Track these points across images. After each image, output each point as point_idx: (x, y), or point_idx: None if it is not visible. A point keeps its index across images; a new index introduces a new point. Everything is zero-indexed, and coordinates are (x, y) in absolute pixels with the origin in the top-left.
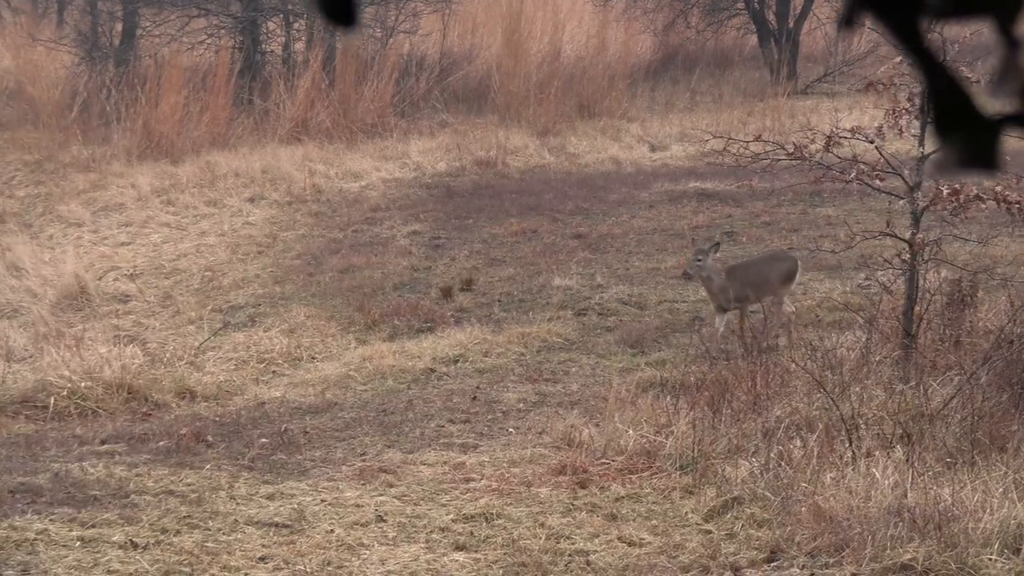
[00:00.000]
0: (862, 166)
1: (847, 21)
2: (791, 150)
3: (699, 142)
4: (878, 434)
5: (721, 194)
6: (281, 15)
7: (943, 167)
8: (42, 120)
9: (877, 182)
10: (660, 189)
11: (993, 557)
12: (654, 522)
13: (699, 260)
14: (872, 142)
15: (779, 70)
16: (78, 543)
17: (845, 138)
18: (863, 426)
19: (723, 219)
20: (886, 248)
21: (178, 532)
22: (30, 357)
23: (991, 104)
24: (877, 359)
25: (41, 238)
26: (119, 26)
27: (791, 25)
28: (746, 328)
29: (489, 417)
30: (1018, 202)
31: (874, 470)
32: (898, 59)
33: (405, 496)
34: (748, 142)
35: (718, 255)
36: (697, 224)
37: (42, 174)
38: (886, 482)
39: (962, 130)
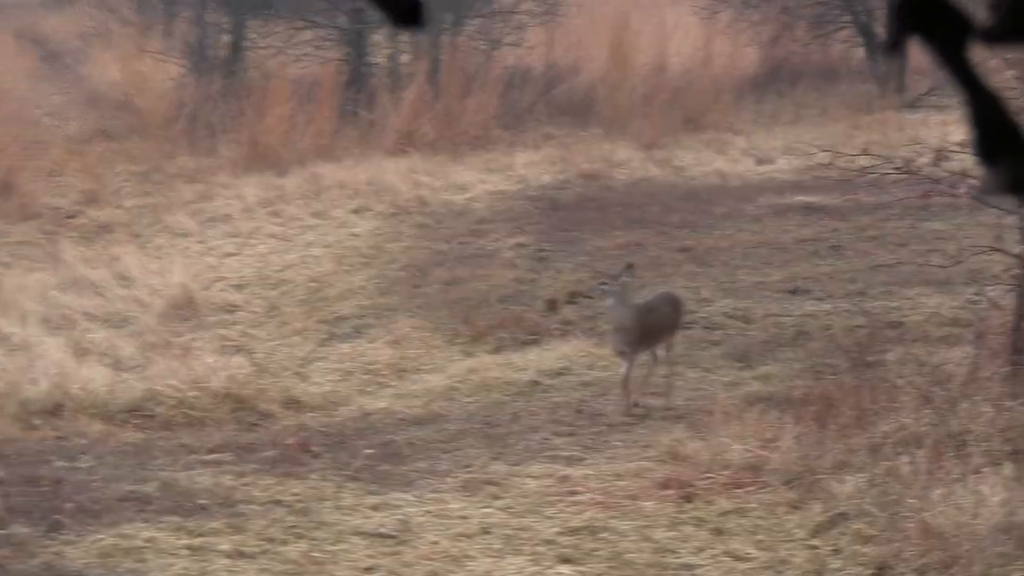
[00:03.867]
0: (971, 180)
1: (893, 45)
2: (899, 164)
3: (805, 156)
4: (986, 451)
5: (827, 208)
6: (387, 27)
7: (987, 191)
8: (150, 131)
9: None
10: (766, 203)
11: None
12: (760, 537)
13: (603, 284)
14: None
15: (887, 83)
16: (185, 551)
17: (954, 152)
18: (971, 442)
19: (829, 233)
20: (995, 263)
21: (284, 542)
22: (138, 367)
23: None
24: (986, 375)
25: (149, 248)
26: (226, 38)
27: None
28: (630, 382)
29: (594, 430)
30: None
31: (983, 487)
32: (1009, 73)
33: (510, 508)
34: (855, 156)
35: (631, 284)
36: (803, 238)
37: (150, 185)
38: (995, 499)
39: (1007, 155)
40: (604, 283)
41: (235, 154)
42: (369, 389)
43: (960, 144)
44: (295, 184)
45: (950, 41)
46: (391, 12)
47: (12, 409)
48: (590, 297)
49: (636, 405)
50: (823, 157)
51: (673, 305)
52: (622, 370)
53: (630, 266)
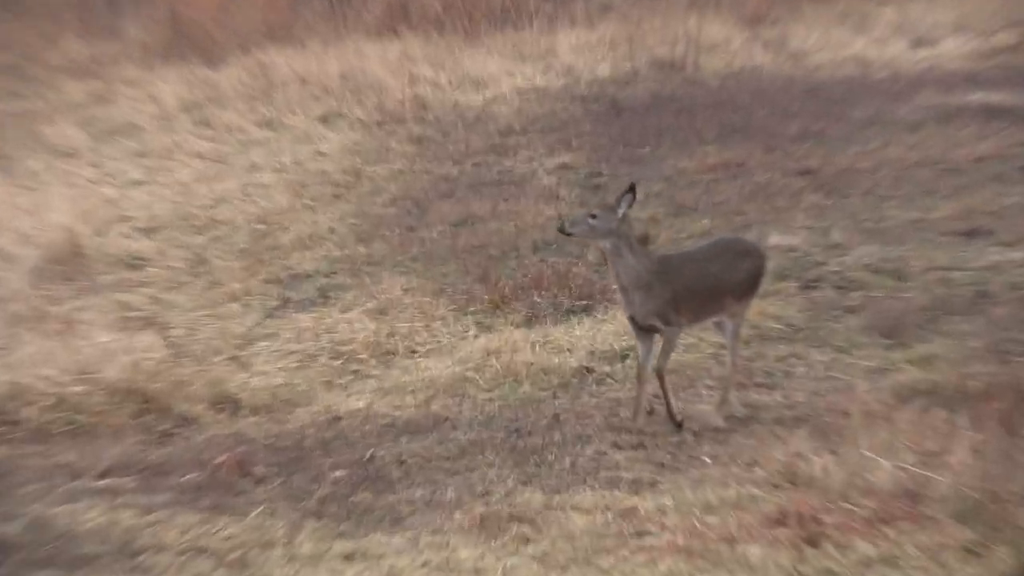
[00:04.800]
0: None
1: None
2: None
3: (983, 35)
4: None
5: (1016, 111)
6: None
7: None
8: (24, 6)
9: None
10: (926, 103)
11: None
12: None
13: (593, 215)
14: None
15: None
16: None
17: None
18: None
19: (1019, 148)
20: None
21: None
22: (0, 349)
23: None
24: None
25: (18, 174)
26: None
27: None
28: (667, 383)
29: (673, 440)
30: None
31: None
32: None
33: (548, 557)
34: None
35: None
36: (981, 155)
37: (21, 82)
38: None
39: None
40: (593, 215)
41: (147, 36)
42: (340, 381)
43: None
44: (234, 79)
45: None
46: None
47: None
48: (569, 234)
49: (651, 412)
50: (1008, 36)
51: (739, 256)
52: (639, 352)
53: (632, 188)
